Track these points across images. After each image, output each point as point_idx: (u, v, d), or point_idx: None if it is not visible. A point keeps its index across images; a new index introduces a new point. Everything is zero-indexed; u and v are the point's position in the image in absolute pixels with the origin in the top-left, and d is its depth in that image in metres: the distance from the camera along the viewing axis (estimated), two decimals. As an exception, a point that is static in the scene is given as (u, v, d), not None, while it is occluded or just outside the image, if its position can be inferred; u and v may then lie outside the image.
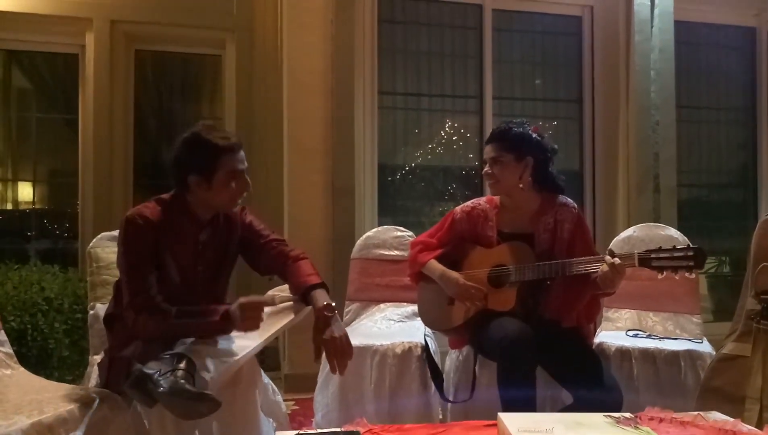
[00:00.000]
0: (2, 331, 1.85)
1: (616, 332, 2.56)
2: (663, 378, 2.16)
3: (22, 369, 1.82)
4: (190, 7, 4.01)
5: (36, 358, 2.43)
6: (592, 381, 1.87)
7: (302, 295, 1.82)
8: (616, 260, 1.86)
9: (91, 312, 2.11)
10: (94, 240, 2.21)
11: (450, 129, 3.99)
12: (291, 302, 1.85)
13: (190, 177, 1.77)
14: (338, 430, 1.40)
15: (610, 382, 1.89)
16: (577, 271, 1.94)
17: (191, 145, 1.78)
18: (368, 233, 2.98)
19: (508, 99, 4.01)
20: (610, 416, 1.28)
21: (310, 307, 1.82)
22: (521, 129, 2.09)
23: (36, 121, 4.20)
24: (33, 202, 4.26)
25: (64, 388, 1.69)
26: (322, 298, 1.77)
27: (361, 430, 1.39)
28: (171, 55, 4.31)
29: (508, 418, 1.22)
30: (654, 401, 2.04)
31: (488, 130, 3.81)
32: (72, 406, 1.51)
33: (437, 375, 2.26)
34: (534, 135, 2.10)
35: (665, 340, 2.37)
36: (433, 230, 2.31)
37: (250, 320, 1.68)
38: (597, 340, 2.37)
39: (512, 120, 2.15)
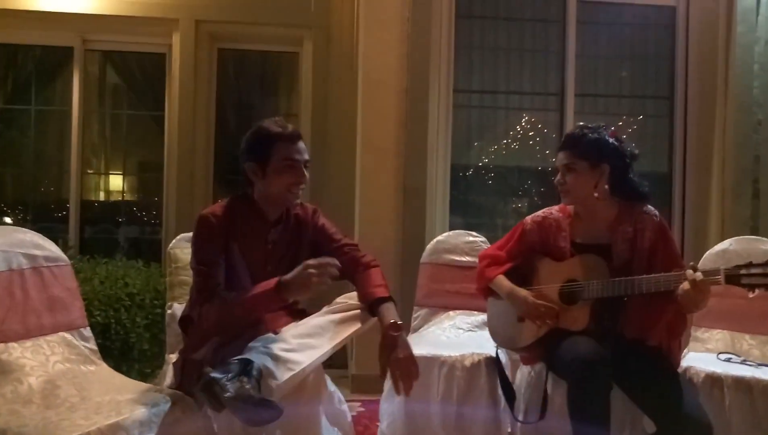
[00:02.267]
0: (88, 328, 1.95)
1: (706, 355, 2.36)
2: (759, 411, 1.95)
3: (104, 365, 1.91)
4: (270, 5, 4.08)
5: (119, 350, 2.56)
6: (676, 410, 1.72)
7: (369, 307, 1.80)
8: (699, 275, 1.69)
9: (169, 311, 2.18)
10: (174, 241, 2.28)
11: (528, 127, 3.83)
12: (358, 311, 1.83)
13: (247, 164, 1.81)
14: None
15: (698, 413, 1.72)
16: (655, 288, 1.79)
17: (251, 134, 1.83)
18: (439, 237, 2.91)
19: (592, 96, 3.80)
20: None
21: (375, 319, 1.79)
22: (597, 134, 1.95)
23: (127, 118, 4.43)
24: (122, 194, 4.52)
25: (141, 387, 1.75)
26: (389, 315, 1.73)
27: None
28: (251, 53, 4.42)
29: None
30: (748, 438, 1.90)
31: (569, 127, 3.67)
32: (146, 408, 1.56)
33: (509, 391, 2.17)
34: (611, 140, 1.95)
35: (763, 367, 2.16)
36: (502, 242, 2.22)
37: (315, 279, 1.59)
38: (684, 363, 2.19)
39: (587, 124, 2.01)
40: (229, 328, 1.70)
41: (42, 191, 4.45)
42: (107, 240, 4.33)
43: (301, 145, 1.84)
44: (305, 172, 1.83)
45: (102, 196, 4.58)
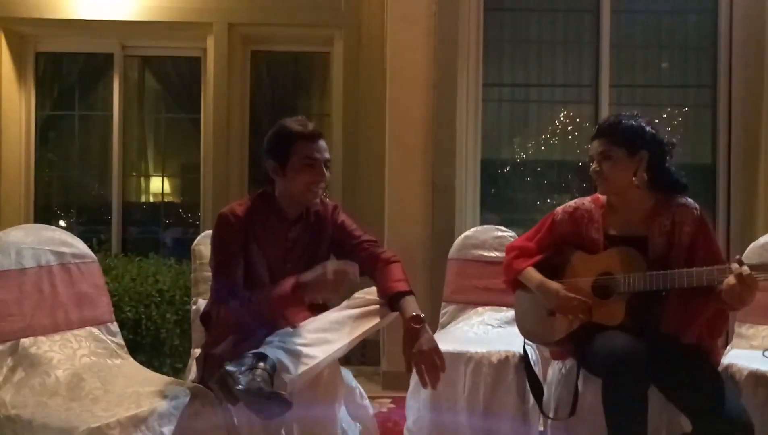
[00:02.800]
0: (115, 323, 1.99)
1: (750, 352, 2.22)
2: (808, 412, 1.83)
3: (131, 359, 1.96)
4: (301, 6, 4.12)
5: (150, 346, 2.62)
6: (715, 409, 1.63)
7: (389, 301, 1.77)
8: (745, 269, 1.58)
9: (194, 307, 2.22)
10: (198, 237, 2.32)
11: (562, 120, 3.74)
12: (377, 306, 1.80)
13: (267, 163, 1.82)
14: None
15: (738, 412, 1.63)
16: (697, 283, 1.69)
17: (272, 133, 1.83)
18: (467, 233, 2.86)
19: (628, 86, 3.67)
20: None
21: (396, 313, 1.77)
22: (633, 121, 1.86)
23: (165, 121, 4.56)
24: (162, 196, 4.64)
25: (164, 381, 1.78)
26: (410, 308, 1.70)
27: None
28: (283, 54, 4.48)
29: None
30: (793, 440, 1.78)
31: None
32: (167, 401, 1.58)
33: (537, 388, 2.10)
34: (648, 127, 1.86)
35: (812, 365, 2.02)
36: (531, 233, 2.14)
37: (334, 284, 1.62)
38: (726, 359, 2.08)
39: (622, 112, 1.92)
40: (247, 327, 1.70)
41: (86, 194, 4.62)
42: (149, 240, 4.45)
43: (322, 143, 1.83)
44: (325, 172, 1.82)
45: (143, 198, 4.72)
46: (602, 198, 2.00)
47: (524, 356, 2.17)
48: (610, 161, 1.87)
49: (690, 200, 1.90)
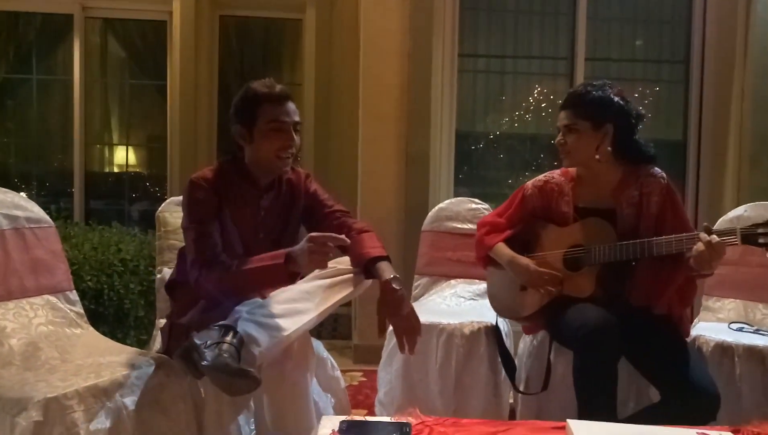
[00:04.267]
0: (74, 291, 1.91)
1: (717, 324, 2.27)
2: (772, 382, 1.87)
3: (91, 329, 1.88)
4: (273, -31, 3.96)
5: (113, 317, 2.53)
6: (682, 379, 1.65)
7: (364, 268, 1.72)
8: (714, 238, 1.59)
9: (158, 276, 2.14)
10: (163, 204, 2.23)
11: (538, 93, 3.71)
12: (350, 275, 1.75)
13: (234, 127, 1.74)
14: (388, 419, 1.30)
15: (705, 383, 1.64)
16: (666, 251, 1.70)
17: (239, 96, 1.75)
18: (441, 205, 2.83)
19: (603, 60, 3.65)
20: (704, 434, 1.07)
21: (369, 281, 1.73)
22: (600, 92, 1.83)
23: (130, 88, 4.38)
24: (126, 166, 4.48)
25: (126, 351, 1.71)
26: (388, 270, 1.66)
27: (413, 421, 1.28)
28: (254, 20, 4.32)
29: (577, 427, 1.05)
30: (759, 408, 1.81)
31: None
32: (129, 371, 1.52)
33: (509, 362, 2.11)
34: (616, 99, 1.83)
35: (777, 336, 2.07)
36: (501, 208, 2.12)
37: (318, 255, 1.54)
38: (694, 332, 2.10)
39: (591, 82, 1.89)
40: (230, 296, 1.63)
41: (47, 164, 4.44)
42: (113, 212, 4.30)
43: (290, 106, 1.74)
44: (294, 136, 1.74)
45: (107, 169, 4.55)
46: (572, 171, 1.98)
47: (496, 330, 2.16)
48: (574, 134, 1.85)
49: (658, 170, 1.89)
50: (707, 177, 3.50)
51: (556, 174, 2.02)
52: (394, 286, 1.61)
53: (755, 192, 3.25)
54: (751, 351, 1.91)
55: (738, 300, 2.38)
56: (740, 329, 2.17)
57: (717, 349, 1.97)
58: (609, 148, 1.84)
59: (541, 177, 2.04)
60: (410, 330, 1.61)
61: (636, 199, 1.85)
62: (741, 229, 1.60)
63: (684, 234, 1.70)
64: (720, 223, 2.47)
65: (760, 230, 1.57)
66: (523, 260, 1.95)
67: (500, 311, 2.15)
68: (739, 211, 2.48)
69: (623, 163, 1.88)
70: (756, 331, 2.14)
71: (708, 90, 3.51)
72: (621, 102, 1.84)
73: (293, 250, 1.58)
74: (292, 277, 1.59)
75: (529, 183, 2.05)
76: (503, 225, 2.07)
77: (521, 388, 2.08)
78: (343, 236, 1.57)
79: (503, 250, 2.01)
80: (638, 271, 1.83)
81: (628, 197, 1.86)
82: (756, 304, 2.34)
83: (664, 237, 1.72)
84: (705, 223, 1.66)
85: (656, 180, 1.86)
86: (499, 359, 2.13)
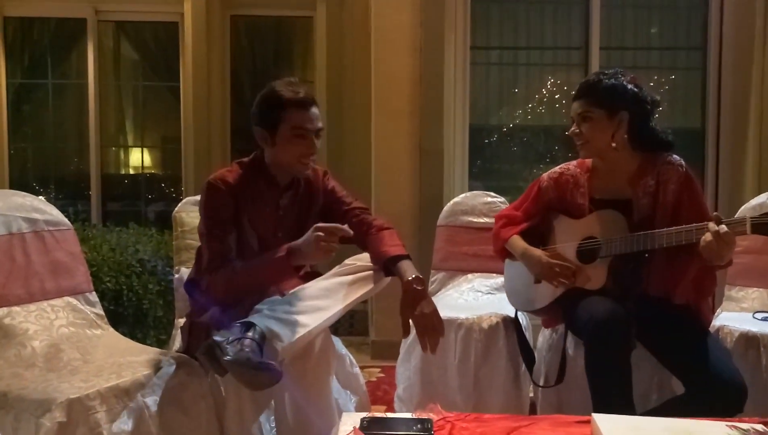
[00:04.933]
0: (94, 293, 1.92)
1: (740, 314, 2.23)
2: (799, 372, 1.83)
3: (111, 330, 1.89)
4: (281, -33, 3.96)
5: (132, 317, 2.56)
6: (706, 370, 1.61)
7: (384, 266, 1.71)
8: (722, 228, 1.55)
9: (176, 276, 2.15)
10: (179, 204, 2.24)
11: (551, 85, 3.66)
12: (371, 272, 1.74)
13: (256, 129, 1.72)
14: (409, 416, 1.29)
15: (731, 374, 1.61)
16: (676, 242, 1.65)
17: (262, 97, 1.72)
18: (456, 199, 2.81)
19: (618, 49, 3.60)
20: (735, 427, 1.04)
21: (389, 278, 1.72)
22: (614, 80, 1.80)
23: (144, 90, 4.41)
24: (142, 168, 4.51)
25: (147, 351, 1.72)
26: (410, 270, 1.64)
27: (435, 417, 1.27)
28: (264, 18, 4.32)
29: (604, 421, 1.03)
30: (786, 400, 1.77)
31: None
32: (150, 371, 1.52)
33: (528, 355, 2.09)
34: (630, 86, 1.80)
35: (803, 326, 2.02)
36: (518, 202, 2.11)
37: (325, 244, 1.54)
38: (717, 322, 2.07)
39: (603, 71, 1.86)
40: (238, 295, 1.64)
41: (64, 167, 4.48)
42: (130, 214, 4.34)
43: (315, 111, 1.72)
44: (316, 143, 1.72)
45: (123, 171, 4.59)
46: (588, 162, 1.95)
47: (515, 322, 2.14)
48: (589, 122, 1.82)
49: (676, 157, 1.85)
50: (727, 165, 3.44)
51: (571, 165, 1.99)
52: (416, 286, 1.60)
53: (776, 179, 3.20)
54: (777, 341, 1.87)
55: (762, 289, 2.33)
56: (765, 319, 2.13)
57: (741, 340, 1.93)
58: (625, 137, 1.81)
59: (556, 169, 2.02)
60: (433, 330, 1.59)
61: (652, 188, 1.82)
62: (751, 217, 1.55)
63: (693, 225, 1.65)
64: (742, 211, 2.42)
65: None
66: (536, 252, 1.93)
67: (516, 304, 2.14)
68: (762, 198, 2.43)
69: (640, 152, 1.85)
70: (781, 321, 2.10)
71: (726, 76, 3.45)
72: (635, 89, 1.80)
73: (297, 243, 1.59)
74: (296, 269, 1.62)
75: (545, 175, 2.03)
76: (519, 218, 2.05)
77: (540, 383, 2.07)
78: (346, 227, 1.59)
79: (517, 242, 2.00)
80: (652, 261, 1.80)
81: (644, 186, 1.82)
82: (781, 293, 2.29)
83: (673, 228, 1.68)
84: (715, 213, 1.62)
85: (674, 168, 1.82)
86: (519, 351, 2.11)
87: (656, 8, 3.65)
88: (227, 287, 1.64)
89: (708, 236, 1.57)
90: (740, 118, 3.39)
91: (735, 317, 2.16)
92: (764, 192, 2.53)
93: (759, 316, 2.16)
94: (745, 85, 3.37)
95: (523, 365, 2.12)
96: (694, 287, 1.79)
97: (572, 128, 1.87)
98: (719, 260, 1.62)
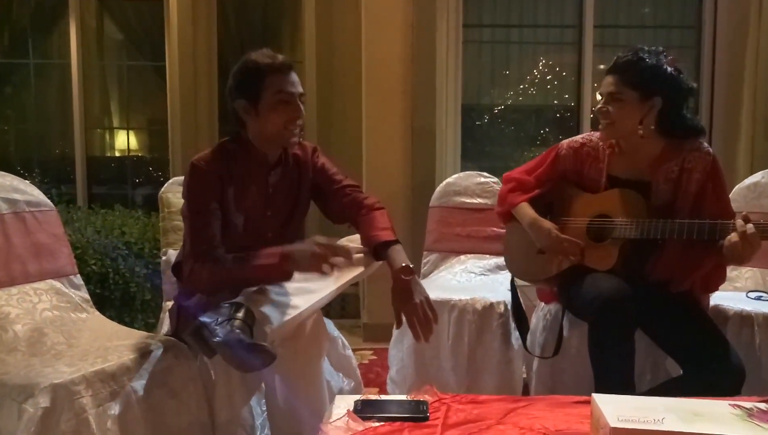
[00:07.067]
0: (78, 276, 1.87)
1: (734, 293, 2.22)
2: (793, 350, 1.83)
3: (97, 313, 1.85)
4: (270, -55, 3.85)
5: (120, 301, 2.51)
6: (707, 354, 1.60)
7: (374, 250, 1.66)
8: (750, 227, 1.50)
9: (164, 258, 2.10)
10: (166, 184, 2.18)
11: (543, 65, 3.61)
12: (361, 254, 1.70)
13: (237, 102, 1.66)
14: (404, 398, 1.27)
15: (730, 357, 1.59)
16: (698, 235, 1.60)
17: (238, 68, 1.66)
18: (449, 179, 2.78)
19: (612, 27, 3.55)
20: (738, 405, 1.02)
21: (380, 263, 1.67)
22: (654, 60, 1.70)
23: (129, 70, 4.31)
24: (128, 151, 4.43)
25: (133, 334, 1.68)
26: (399, 258, 1.59)
27: (430, 399, 1.24)
28: (250, -3, 4.21)
29: (604, 401, 1.00)
30: (781, 378, 1.77)
31: (587, 63, 3.45)
32: (136, 355, 1.49)
33: (523, 323, 2.05)
34: (670, 69, 1.70)
35: (796, 304, 2.02)
36: (532, 165, 2.00)
37: (321, 260, 1.50)
38: (711, 302, 2.05)
39: (644, 47, 1.74)
40: (222, 290, 1.58)
41: (48, 150, 4.38)
42: (116, 197, 4.26)
43: (294, 76, 1.67)
44: (301, 107, 1.67)
45: (108, 153, 4.50)
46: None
47: (512, 290, 2.10)
48: (618, 103, 1.72)
49: (705, 145, 1.77)
50: (720, 145, 3.42)
51: (594, 137, 1.89)
52: (403, 276, 1.55)
53: (768, 161, 3.19)
54: (772, 320, 1.87)
55: (755, 268, 2.32)
56: (759, 298, 2.13)
57: (736, 319, 1.92)
58: (652, 126, 1.72)
59: (578, 138, 1.93)
60: (425, 320, 1.54)
61: (675, 175, 1.74)
62: None
63: (718, 221, 1.60)
64: (736, 192, 2.41)
65: None
66: (546, 224, 1.86)
67: (515, 271, 2.09)
68: (756, 177, 2.42)
69: (667, 137, 1.76)
70: (775, 300, 2.09)
71: (720, 55, 3.42)
72: (674, 73, 1.71)
73: (291, 249, 1.54)
74: (286, 275, 1.56)
75: (565, 142, 1.94)
76: (530, 183, 1.96)
77: (536, 352, 2.01)
78: (349, 246, 1.55)
79: (526, 210, 1.92)
80: (664, 249, 1.75)
81: (666, 171, 1.75)
82: (774, 272, 2.29)
83: (696, 221, 1.62)
84: (744, 212, 1.57)
85: (701, 155, 1.74)
86: (512, 329, 2.09)
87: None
88: (212, 281, 1.58)
89: (734, 236, 1.54)
90: (733, 97, 3.36)
91: (729, 297, 2.14)
92: (757, 171, 2.52)
93: (752, 295, 2.16)
94: (738, 64, 3.34)
95: (516, 346, 2.10)
96: (703, 282, 1.76)
97: (600, 104, 1.78)
98: (740, 261, 1.59)
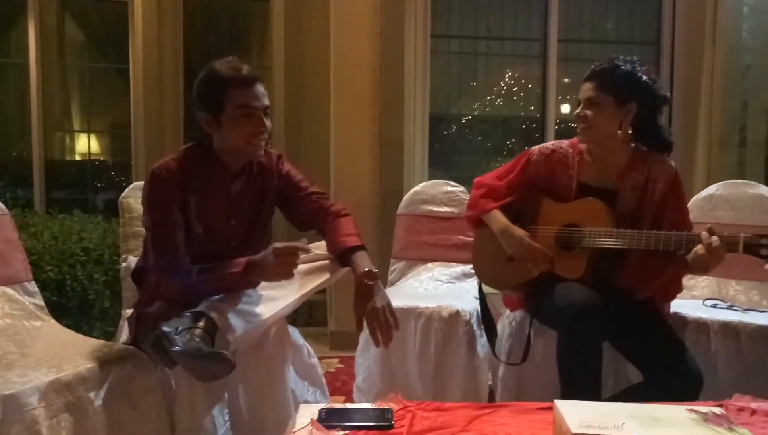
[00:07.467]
0: (33, 282, 1.80)
1: (692, 301, 2.28)
2: (747, 356, 1.87)
3: (52, 321, 1.78)
4: (238, -51, 3.83)
5: (77, 308, 2.42)
6: (667, 361, 1.64)
7: (339, 256, 1.66)
8: (715, 240, 1.56)
9: (123, 264, 2.04)
10: (127, 189, 2.12)
11: (510, 76, 3.67)
12: (327, 261, 1.69)
13: (200, 114, 1.62)
14: (369, 406, 1.26)
15: (690, 364, 1.64)
16: (664, 247, 1.65)
17: (201, 79, 1.62)
18: (416, 188, 2.79)
19: (576, 41, 3.63)
20: (694, 410, 1.05)
21: (346, 269, 1.66)
22: (629, 68, 1.77)
23: (89, 72, 4.20)
24: (89, 154, 4.31)
25: (90, 343, 1.63)
26: (363, 263, 1.59)
27: (395, 407, 1.24)
28: (219, 1, 4.17)
29: (566, 407, 1.01)
30: (735, 383, 1.82)
31: (551, 76, 3.53)
32: (93, 364, 1.44)
33: (490, 327, 2.07)
34: (644, 77, 1.77)
35: (750, 312, 2.08)
36: (503, 171, 2.02)
37: (284, 266, 1.48)
38: (672, 309, 2.11)
39: (619, 56, 1.82)
40: (190, 299, 1.55)
41: (4, 151, 4.24)
42: (76, 202, 4.14)
43: (259, 88, 1.62)
44: (265, 120, 1.63)
45: (68, 157, 4.37)
46: (581, 145, 1.90)
47: (480, 297, 2.12)
48: (596, 108, 1.78)
49: (668, 158, 1.85)
50: (678, 157, 3.49)
51: (564, 144, 1.94)
52: (366, 281, 1.54)
53: (724, 171, 3.30)
54: (727, 327, 1.93)
55: (711, 278, 2.39)
56: (714, 305, 2.19)
57: (693, 326, 1.98)
58: (629, 130, 1.79)
59: (548, 144, 1.96)
60: (385, 325, 1.52)
61: (641, 184, 1.81)
62: (744, 236, 1.57)
63: (684, 233, 1.66)
64: (693, 203, 2.49)
65: (764, 241, 1.54)
66: (518, 232, 1.87)
67: (483, 278, 2.10)
68: (712, 189, 2.51)
69: (633, 146, 1.83)
70: (729, 307, 2.16)
71: (678, 71, 3.53)
72: (648, 81, 1.78)
73: (255, 259, 1.52)
74: (252, 285, 1.55)
75: (536, 148, 1.96)
76: (502, 190, 1.98)
77: (503, 358, 2.03)
78: (304, 242, 1.52)
79: (498, 217, 1.93)
80: (630, 258, 1.80)
81: (633, 180, 1.81)
82: (729, 281, 2.36)
83: (663, 232, 1.67)
84: (710, 225, 1.63)
85: (665, 168, 1.81)
86: (478, 338, 2.10)
87: (612, 2, 3.70)
88: (178, 293, 1.56)
89: (700, 248, 1.59)
90: (691, 111, 3.47)
91: (687, 304, 2.20)
92: (713, 183, 2.62)
93: (709, 303, 2.23)
94: (695, 79, 3.45)
95: (482, 353, 2.11)
96: (663, 290, 1.82)
97: (578, 110, 1.83)
98: (704, 271, 1.66)
